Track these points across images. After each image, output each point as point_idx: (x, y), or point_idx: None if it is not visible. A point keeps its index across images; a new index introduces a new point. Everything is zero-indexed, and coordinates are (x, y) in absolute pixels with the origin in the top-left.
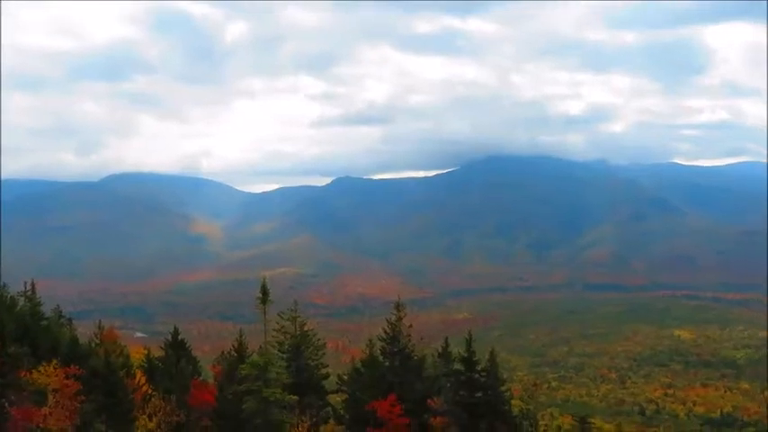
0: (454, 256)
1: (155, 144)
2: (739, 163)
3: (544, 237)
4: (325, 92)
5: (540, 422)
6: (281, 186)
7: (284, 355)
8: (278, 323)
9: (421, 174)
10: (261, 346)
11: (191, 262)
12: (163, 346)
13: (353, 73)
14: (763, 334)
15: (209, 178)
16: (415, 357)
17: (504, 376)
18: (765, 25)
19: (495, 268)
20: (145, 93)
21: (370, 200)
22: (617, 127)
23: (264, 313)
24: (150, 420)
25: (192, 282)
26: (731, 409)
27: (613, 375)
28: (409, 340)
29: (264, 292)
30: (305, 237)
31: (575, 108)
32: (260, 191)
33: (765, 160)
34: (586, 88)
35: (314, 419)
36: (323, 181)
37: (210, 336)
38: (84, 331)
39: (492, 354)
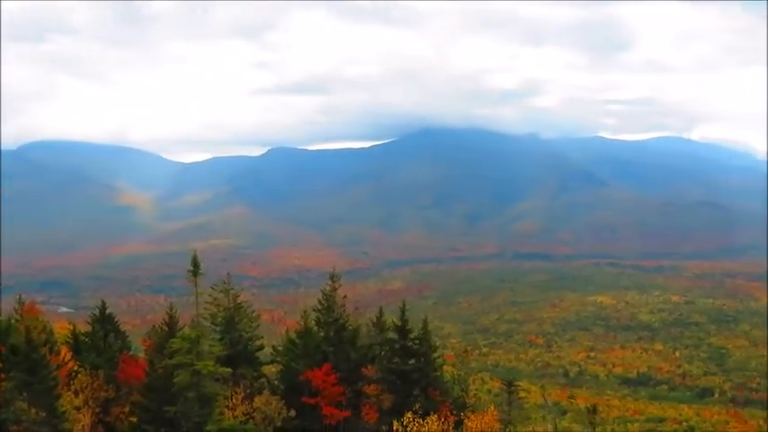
0: (390, 227)
1: (78, 111)
2: (660, 137)
3: (477, 208)
4: (261, 60)
5: (471, 387)
6: (214, 156)
7: (217, 328)
8: (210, 295)
9: (358, 145)
10: (193, 319)
11: (119, 234)
12: (90, 321)
13: (290, 41)
14: (676, 298)
15: (138, 147)
16: (350, 327)
17: (437, 343)
18: (687, 3)
19: (430, 239)
20: (66, 56)
21: (307, 171)
22: (548, 101)
23: (196, 286)
24: (77, 396)
25: (120, 255)
26: (646, 369)
27: (540, 340)
28: (344, 310)
29: (195, 264)
30: (239, 208)
31: (509, 82)
32: (191, 161)
33: (685, 135)
34: (520, 62)
35: (248, 391)
36: (258, 151)
37: (141, 310)
38: (3, 307)
39: (425, 322)
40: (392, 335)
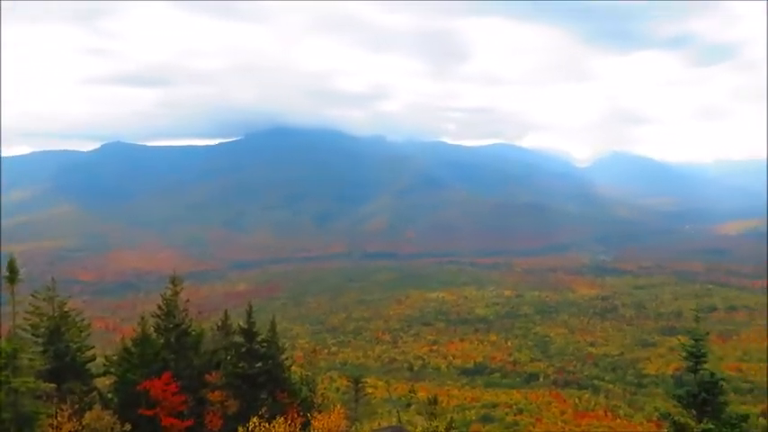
0: (237, 227)
1: None
2: (496, 144)
3: (326, 208)
4: (95, 47)
5: (320, 386)
6: (38, 150)
7: (39, 340)
8: (32, 304)
9: (203, 142)
10: (9, 331)
11: None
12: None
13: (127, 28)
14: (508, 293)
15: None
16: (193, 332)
17: (285, 345)
18: (515, 21)
19: (279, 239)
20: None
21: (146, 168)
22: (393, 106)
23: (13, 294)
24: None
25: None
26: (482, 359)
27: (387, 337)
28: (186, 315)
29: (12, 269)
30: (67, 207)
31: (357, 85)
32: (10, 154)
33: (517, 143)
34: (367, 66)
35: (76, 407)
36: (90, 146)
37: None
38: None
39: (272, 324)
40: (238, 338)
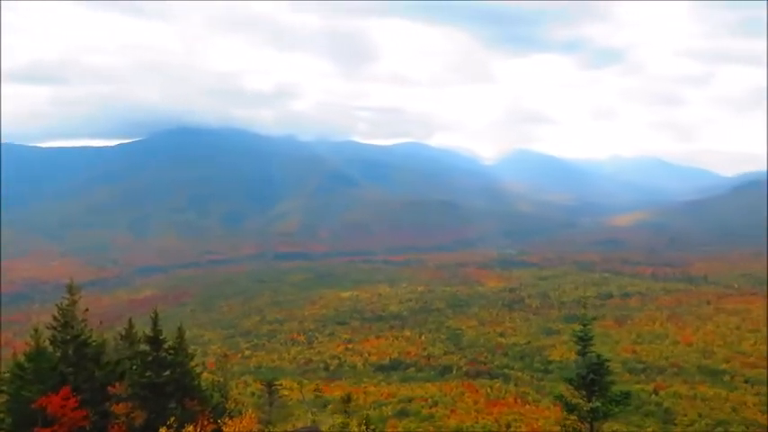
0: (141, 231)
1: None
2: (405, 143)
3: (236, 209)
4: None
5: (234, 391)
6: None
7: None
8: None
9: (102, 143)
10: None
11: None
12: None
13: (14, 21)
14: (421, 288)
15: None
16: (94, 343)
17: (195, 351)
18: (421, 24)
19: (187, 243)
20: None
21: (38, 171)
22: (303, 105)
23: None
24: None
25: None
26: (397, 355)
27: (302, 338)
28: (86, 325)
29: None
30: None
31: (265, 84)
32: None
33: (425, 141)
34: (275, 66)
35: None
36: None
37: None
38: None
39: (180, 330)
40: (144, 347)
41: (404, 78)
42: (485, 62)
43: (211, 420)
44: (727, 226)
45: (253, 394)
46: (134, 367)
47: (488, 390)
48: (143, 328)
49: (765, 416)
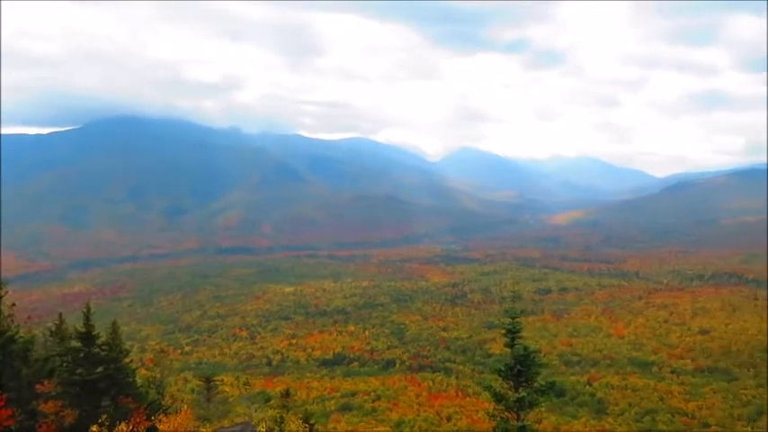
0: (77, 223)
1: None
2: (352, 138)
3: (177, 202)
4: None
5: (173, 387)
6: None
7: None
8: None
9: (34, 130)
10: None
11: None
12: None
13: None
14: (365, 284)
15: None
16: (21, 339)
17: (133, 347)
18: (370, 20)
19: (125, 236)
20: None
21: None
22: (248, 97)
23: None
24: None
25: None
26: (341, 350)
27: (244, 333)
28: (12, 321)
29: None
30: None
31: (209, 75)
32: None
33: (372, 137)
34: (219, 57)
35: None
36: None
37: None
38: None
39: (114, 325)
40: (75, 343)
41: (351, 73)
42: (432, 60)
43: (146, 417)
44: (657, 224)
45: (192, 391)
46: (64, 364)
47: (430, 383)
48: (75, 324)
49: (690, 404)
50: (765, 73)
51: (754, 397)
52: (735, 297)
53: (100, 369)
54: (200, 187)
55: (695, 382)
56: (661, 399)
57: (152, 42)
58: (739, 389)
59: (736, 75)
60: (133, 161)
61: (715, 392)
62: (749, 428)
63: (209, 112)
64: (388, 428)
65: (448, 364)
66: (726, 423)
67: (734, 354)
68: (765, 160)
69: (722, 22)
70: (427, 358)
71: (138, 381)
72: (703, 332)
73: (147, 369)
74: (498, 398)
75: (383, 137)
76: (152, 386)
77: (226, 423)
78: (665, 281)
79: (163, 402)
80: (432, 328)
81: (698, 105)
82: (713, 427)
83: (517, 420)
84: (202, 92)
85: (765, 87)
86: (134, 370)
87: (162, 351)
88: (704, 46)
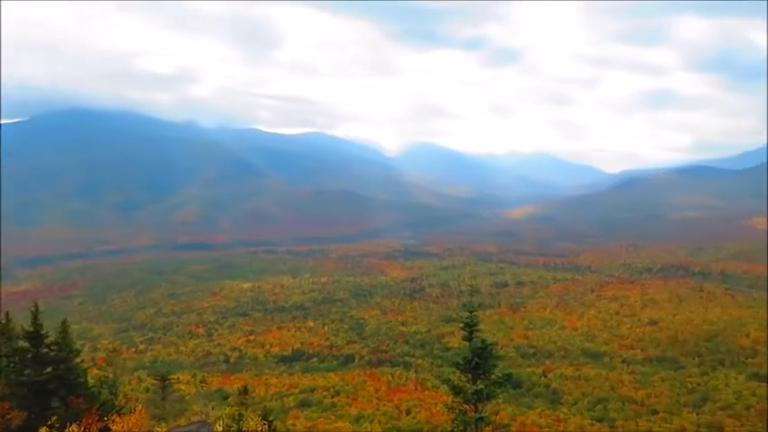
0: (24, 219)
1: None
2: (310, 133)
3: (131, 197)
4: None
5: (127, 387)
6: None
7: None
8: None
9: None
10: None
11: None
12: None
13: None
14: (324, 279)
15: None
16: None
17: (84, 346)
18: (327, 14)
19: (76, 232)
20: None
21: None
22: (203, 90)
23: None
24: None
25: None
26: (300, 345)
27: (201, 330)
28: None
29: None
30: None
31: (162, 67)
32: None
33: (329, 132)
34: (173, 48)
35: None
36: None
37: None
38: None
39: (64, 324)
40: (23, 343)
41: (309, 67)
42: (389, 55)
43: (98, 418)
44: (609, 219)
45: (147, 390)
46: (11, 365)
47: (390, 377)
48: (22, 323)
49: (639, 392)
50: (712, 73)
51: (699, 384)
52: (682, 289)
53: (49, 369)
54: (155, 182)
55: (644, 371)
56: (612, 388)
57: (105, 33)
58: (685, 377)
59: (683, 75)
60: (84, 154)
61: (663, 380)
62: (695, 414)
63: (164, 104)
64: (347, 424)
65: (407, 358)
66: (673, 409)
67: (680, 343)
68: (711, 157)
69: (670, 23)
70: (386, 353)
71: (90, 381)
72: (652, 323)
73: (99, 369)
74: (456, 390)
75: (341, 131)
76: (105, 386)
77: (182, 422)
78: (617, 274)
79: (116, 402)
80: (391, 322)
81: (648, 104)
82: (661, 414)
83: (475, 412)
84: (156, 84)
85: (711, 87)
86: (85, 370)
87: (115, 350)
88: (653, 46)
